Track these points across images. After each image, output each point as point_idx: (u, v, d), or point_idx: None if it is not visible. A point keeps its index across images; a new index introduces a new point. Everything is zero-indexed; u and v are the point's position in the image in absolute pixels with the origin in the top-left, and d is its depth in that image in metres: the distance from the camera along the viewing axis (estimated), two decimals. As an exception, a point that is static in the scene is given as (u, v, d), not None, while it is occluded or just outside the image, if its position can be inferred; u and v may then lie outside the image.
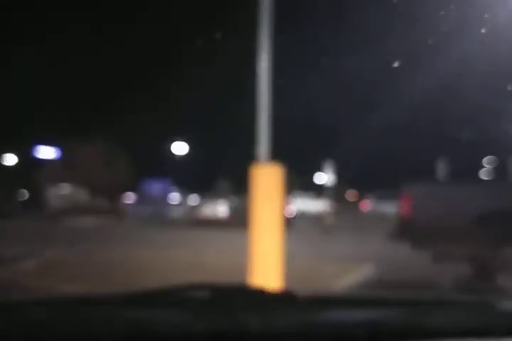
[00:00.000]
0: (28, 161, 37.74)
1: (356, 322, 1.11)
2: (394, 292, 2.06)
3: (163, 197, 28.76)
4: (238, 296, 1.17)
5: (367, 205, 30.16)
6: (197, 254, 8.93)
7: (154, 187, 29.10)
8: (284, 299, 1.22)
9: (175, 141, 42.89)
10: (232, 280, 1.37)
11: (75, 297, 1.48)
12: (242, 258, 4.13)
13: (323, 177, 23.85)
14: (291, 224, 17.29)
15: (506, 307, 1.30)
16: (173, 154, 42.12)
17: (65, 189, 28.92)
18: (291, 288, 1.29)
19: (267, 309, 1.13)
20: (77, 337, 1.05)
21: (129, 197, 39.10)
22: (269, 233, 3.86)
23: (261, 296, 1.20)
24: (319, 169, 30.90)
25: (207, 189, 43.43)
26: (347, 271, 7.08)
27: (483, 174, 29.89)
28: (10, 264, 7.77)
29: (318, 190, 40.25)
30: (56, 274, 6.79)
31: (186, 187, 63.19)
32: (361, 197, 60.70)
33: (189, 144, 45.80)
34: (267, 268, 3.80)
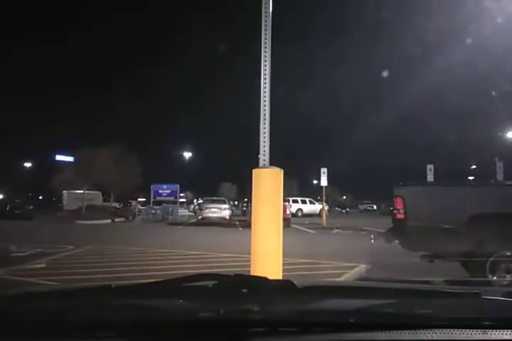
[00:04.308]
0: (45, 166, 37.92)
1: (350, 311, 1.10)
2: (387, 283, 2.03)
3: (171, 200, 28.76)
4: (240, 285, 1.15)
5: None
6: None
7: (163, 190, 29.10)
8: (284, 288, 1.21)
9: (183, 148, 43.18)
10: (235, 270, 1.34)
11: (86, 287, 1.47)
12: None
13: (320, 182, 23.82)
14: (288, 222, 17.30)
15: (493, 297, 1.27)
16: (182, 160, 42.31)
17: (80, 192, 28.94)
18: (291, 278, 1.27)
19: (268, 297, 1.13)
20: (88, 324, 1.05)
21: (140, 200, 39.23)
22: (269, 230, 3.85)
23: (262, 285, 1.19)
24: (316, 175, 31.08)
25: (212, 192, 43.63)
26: (341, 269, 7.06)
27: (471, 176, 29.81)
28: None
29: (314, 194, 40.43)
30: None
31: (193, 191, 63.68)
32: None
33: (196, 151, 46.11)
34: (267, 262, 3.79)
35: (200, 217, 21.55)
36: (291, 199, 30.47)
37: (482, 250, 5.32)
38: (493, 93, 26.45)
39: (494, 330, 1.06)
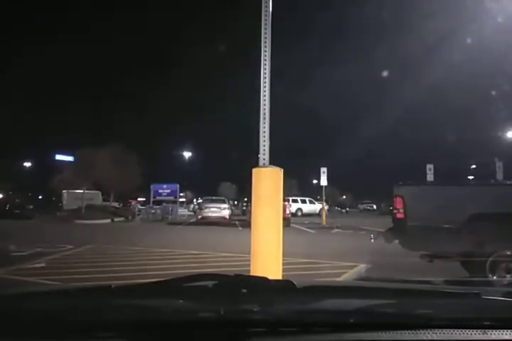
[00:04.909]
0: (44, 166, 37.95)
1: (350, 311, 1.10)
2: (387, 282, 2.03)
3: (171, 200, 28.76)
4: (240, 285, 1.15)
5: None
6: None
7: (163, 190, 29.09)
8: (283, 288, 1.21)
9: (183, 148, 43.19)
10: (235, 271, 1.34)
11: (86, 287, 1.47)
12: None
13: (319, 182, 23.83)
14: (288, 222, 17.32)
15: (493, 297, 1.27)
16: (182, 160, 42.33)
17: (80, 192, 28.95)
18: (290, 278, 1.27)
19: (268, 297, 1.13)
20: (88, 324, 1.05)
21: (140, 200, 39.22)
22: (269, 230, 3.84)
23: (262, 285, 1.19)
24: (315, 175, 31.07)
25: (212, 192, 43.64)
26: (341, 268, 7.06)
27: (471, 176, 29.78)
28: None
29: (314, 193, 40.43)
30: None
31: (193, 191, 63.71)
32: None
33: (196, 151, 46.13)
34: (267, 262, 3.79)
35: (199, 217, 21.56)
36: (290, 198, 30.47)
37: (482, 250, 5.32)
38: (493, 93, 26.45)
39: (494, 330, 1.06)
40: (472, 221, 5.43)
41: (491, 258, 5.38)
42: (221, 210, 21.13)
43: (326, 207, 27.34)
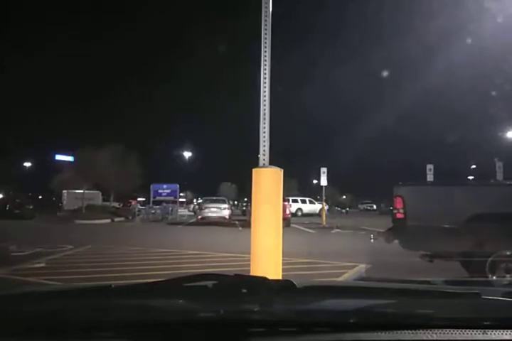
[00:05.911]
0: (44, 166, 37.98)
1: (350, 311, 1.11)
2: (387, 282, 2.03)
3: (171, 200, 28.75)
4: (240, 285, 1.15)
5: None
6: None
7: (163, 190, 29.07)
8: (283, 288, 1.21)
9: (183, 148, 43.18)
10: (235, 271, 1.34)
11: (86, 287, 1.47)
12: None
13: (319, 182, 23.82)
14: (288, 222, 17.32)
15: (493, 297, 1.27)
16: (182, 160, 42.32)
17: (80, 192, 28.95)
18: (290, 278, 1.27)
19: (268, 297, 1.13)
20: (88, 324, 1.05)
21: (140, 200, 39.21)
22: (269, 230, 3.84)
23: (262, 285, 1.19)
24: (315, 175, 31.08)
25: (212, 192, 43.65)
26: (341, 268, 7.06)
27: (471, 176, 29.78)
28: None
29: (314, 194, 40.44)
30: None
31: (193, 191, 63.68)
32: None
33: (196, 151, 46.12)
34: (267, 262, 3.79)
35: (199, 217, 21.55)
36: (290, 198, 30.44)
37: (482, 250, 5.32)
38: (493, 93, 26.45)
39: (494, 330, 1.05)
40: (472, 221, 5.43)
41: (490, 258, 5.38)
42: (221, 210, 21.12)
43: (326, 207, 27.33)
